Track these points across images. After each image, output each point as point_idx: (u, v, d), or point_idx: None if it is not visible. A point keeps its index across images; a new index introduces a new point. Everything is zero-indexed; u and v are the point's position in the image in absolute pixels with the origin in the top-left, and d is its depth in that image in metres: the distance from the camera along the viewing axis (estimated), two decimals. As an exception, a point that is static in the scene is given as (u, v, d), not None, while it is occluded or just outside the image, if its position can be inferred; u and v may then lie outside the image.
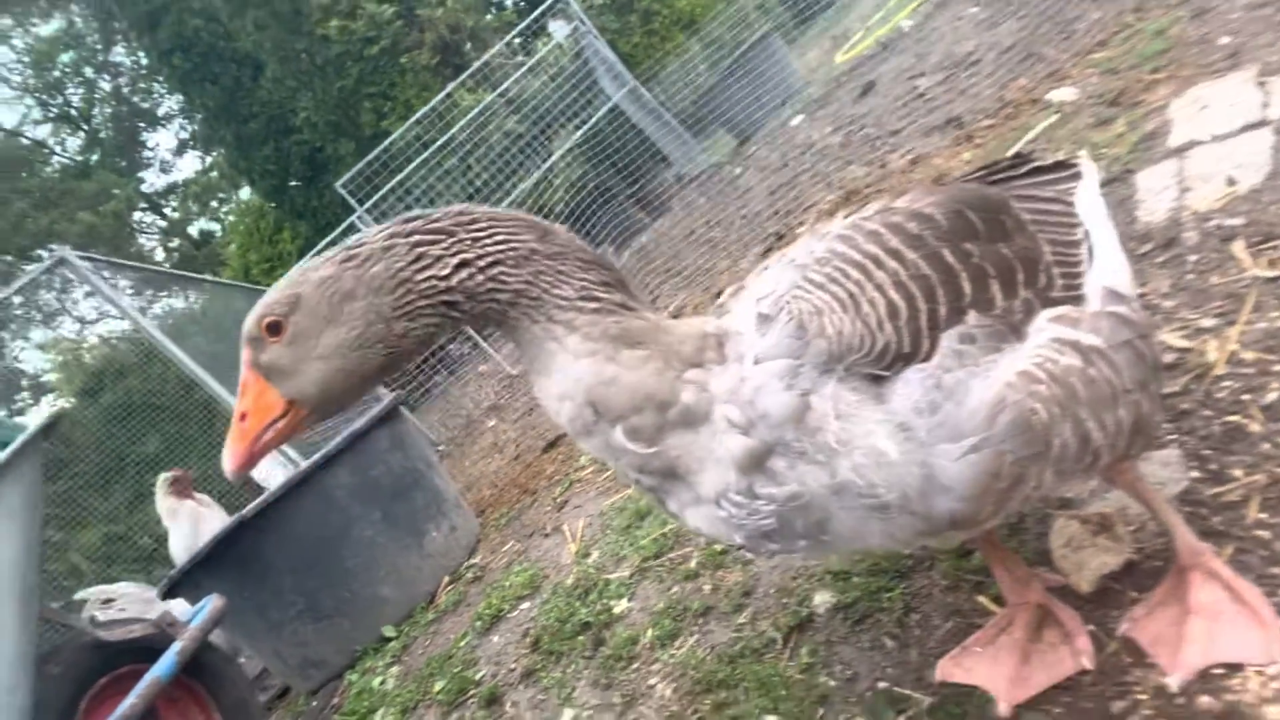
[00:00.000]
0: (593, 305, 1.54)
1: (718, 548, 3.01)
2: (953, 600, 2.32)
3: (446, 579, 4.72)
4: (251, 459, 1.59)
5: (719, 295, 1.87)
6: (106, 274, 7.38)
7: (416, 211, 1.58)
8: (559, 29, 13.08)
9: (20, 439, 2.69)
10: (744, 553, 2.92)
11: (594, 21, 14.58)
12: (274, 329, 1.53)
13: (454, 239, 1.52)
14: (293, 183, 22.22)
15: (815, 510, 1.57)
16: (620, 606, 3.12)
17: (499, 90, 13.31)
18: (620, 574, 3.31)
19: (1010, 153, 2.12)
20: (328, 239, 11.42)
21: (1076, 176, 1.99)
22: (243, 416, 1.58)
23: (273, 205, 23.30)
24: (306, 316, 1.52)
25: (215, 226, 40.85)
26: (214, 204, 42.13)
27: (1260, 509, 1.99)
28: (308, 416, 1.60)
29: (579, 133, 13.11)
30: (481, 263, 1.51)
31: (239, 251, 24.04)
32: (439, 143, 12.56)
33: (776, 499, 1.56)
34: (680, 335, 1.62)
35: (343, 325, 1.51)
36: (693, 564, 3.05)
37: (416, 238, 1.52)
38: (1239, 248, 2.78)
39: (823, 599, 2.54)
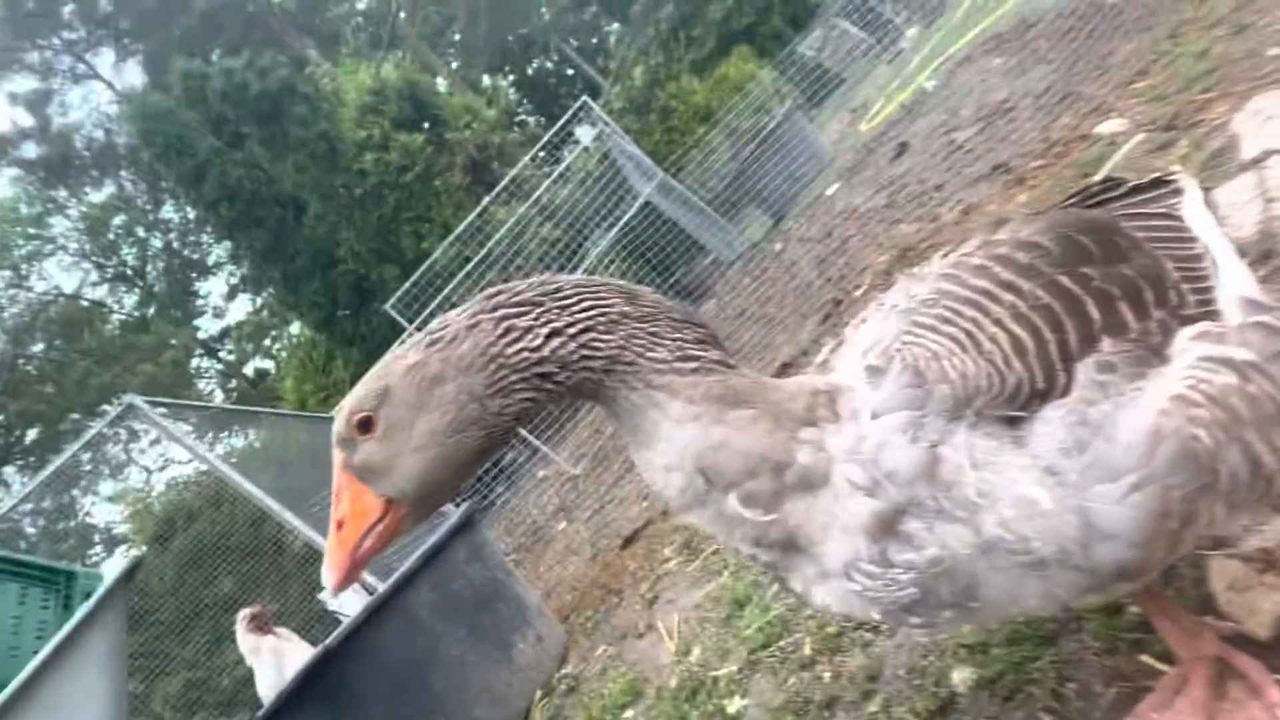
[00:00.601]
0: (691, 366, 1.44)
1: (831, 629, 2.81)
2: (1112, 664, 2.11)
3: (539, 694, 4.52)
4: (354, 568, 1.51)
5: (819, 355, 1.75)
6: (169, 418, 7.52)
7: (499, 286, 1.52)
8: (585, 134, 13.44)
9: (102, 588, 2.63)
10: (869, 631, 2.72)
11: (616, 123, 14.98)
12: (365, 425, 1.46)
13: (541, 309, 1.45)
14: (341, 312, 22.81)
15: (961, 575, 1.41)
16: (734, 706, 2.91)
17: (532, 199, 13.61)
18: (728, 669, 3.10)
19: (1098, 177, 2.01)
20: (380, 361, 11.58)
21: (1178, 192, 1.87)
22: (340, 525, 1.51)
23: (323, 336, 23.87)
24: (397, 407, 1.45)
25: (269, 364, 41.97)
26: (266, 342, 43.42)
27: None
28: (408, 515, 1.53)
29: (614, 230, 13.30)
30: (572, 329, 1.44)
31: (294, 385, 24.54)
32: (478, 258, 12.80)
33: (916, 565, 1.41)
34: (789, 393, 1.51)
35: (435, 411, 1.44)
36: (806, 650, 2.84)
37: (502, 312, 1.45)
38: (1350, 248, 2.63)
39: (962, 676, 2.33)
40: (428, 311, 11.44)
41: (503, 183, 14.10)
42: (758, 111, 14.61)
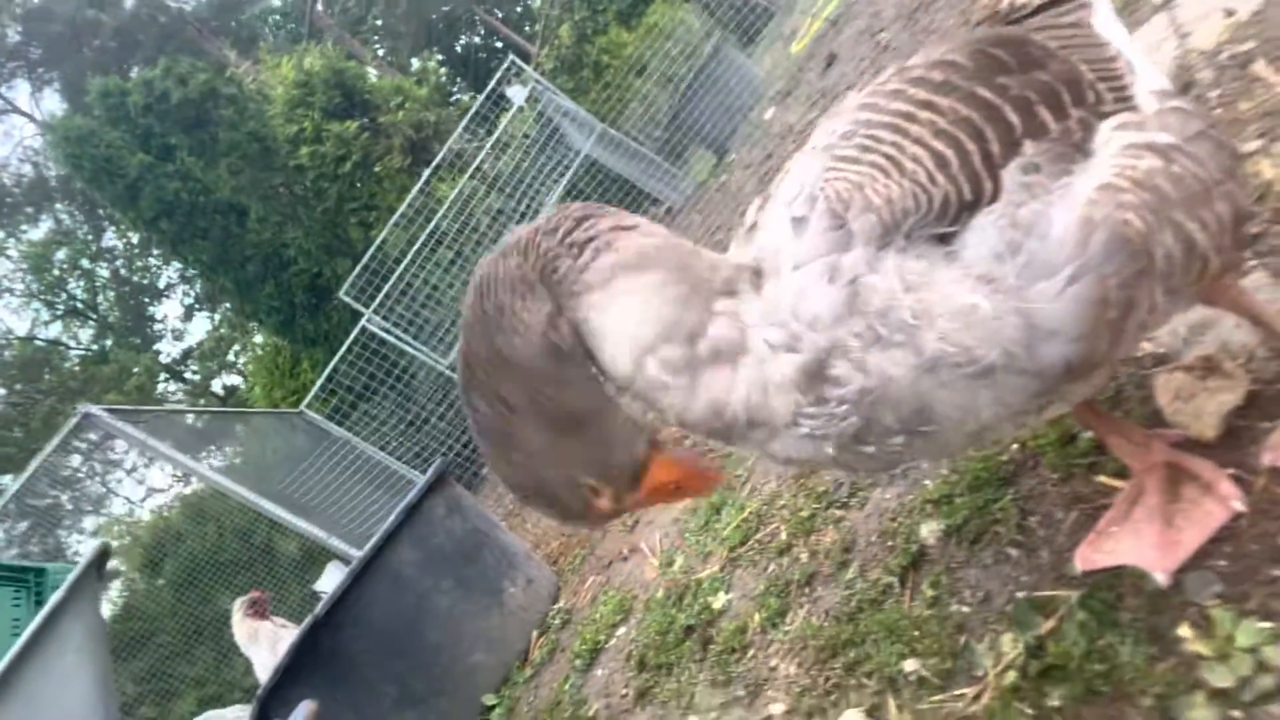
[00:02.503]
0: (589, 254, 1.44)
1: (804, 513, 2.84)
2: (1070, 490, 2.14)
3: (535, 633, 4.56)
4: (707, 469, 1.60)
5: (747, 215, 1.73)
6: (142, 429, 7.42)
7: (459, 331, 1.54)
8: (516, 94, 13.25)
9: (71, 575, 2.59)
10: (839, 508, 2.75)
11: (550, 84, 14.78)
12: (596, 492, 1.49)
13: (483, 298, 1.46)
14: (300, 313, 22.50)
15: (906, 400, 1.40)
16: (719, 601, 2.94)
17: (471, 170, 13.42)
18: (710, 570, 3.13)
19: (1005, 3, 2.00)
20: (341, 350, 11.50)
21: (1085, 5, 1.86)
22: (678, 491, 1.61)
23: (286, 340, 23.56)
24: (566, 436, 1.45)
25: (237, 379, 41.47)
26: (230, 356, 42.81)
27: (1376, 297, 1.81)
28: (650, 437, 1.56)
29: (558, 190, 13.18)
30: (520, 296, 1.45)
31: (264, 393, 24.25)
32: (424, 235, 12.64)
33: (848, 398, 1.40)
34: (711, 263, 1.50)
35: (560, 380, 1.44)
36: (783, 537, 2.87)
37: (482, 310, 1.45)
38: (1260, 68, 2.64)
39: (930, 529, 2.37)
40: (382, 294, 11.32)
41: (438, 156, 13.89)
42: (688, 55, 14.46)
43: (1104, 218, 1.34)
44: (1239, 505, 1.72)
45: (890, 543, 2.45)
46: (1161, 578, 1.73)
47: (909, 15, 6.55)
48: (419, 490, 4.53)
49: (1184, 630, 1.65)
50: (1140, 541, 1.82)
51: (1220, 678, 1.52)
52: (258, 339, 31.53)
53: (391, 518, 4.39)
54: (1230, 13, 2.96)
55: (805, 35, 11.28)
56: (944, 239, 1.38)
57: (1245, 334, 2.04)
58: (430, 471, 4.69)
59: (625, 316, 1.42)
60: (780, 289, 1.43)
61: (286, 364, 23.75)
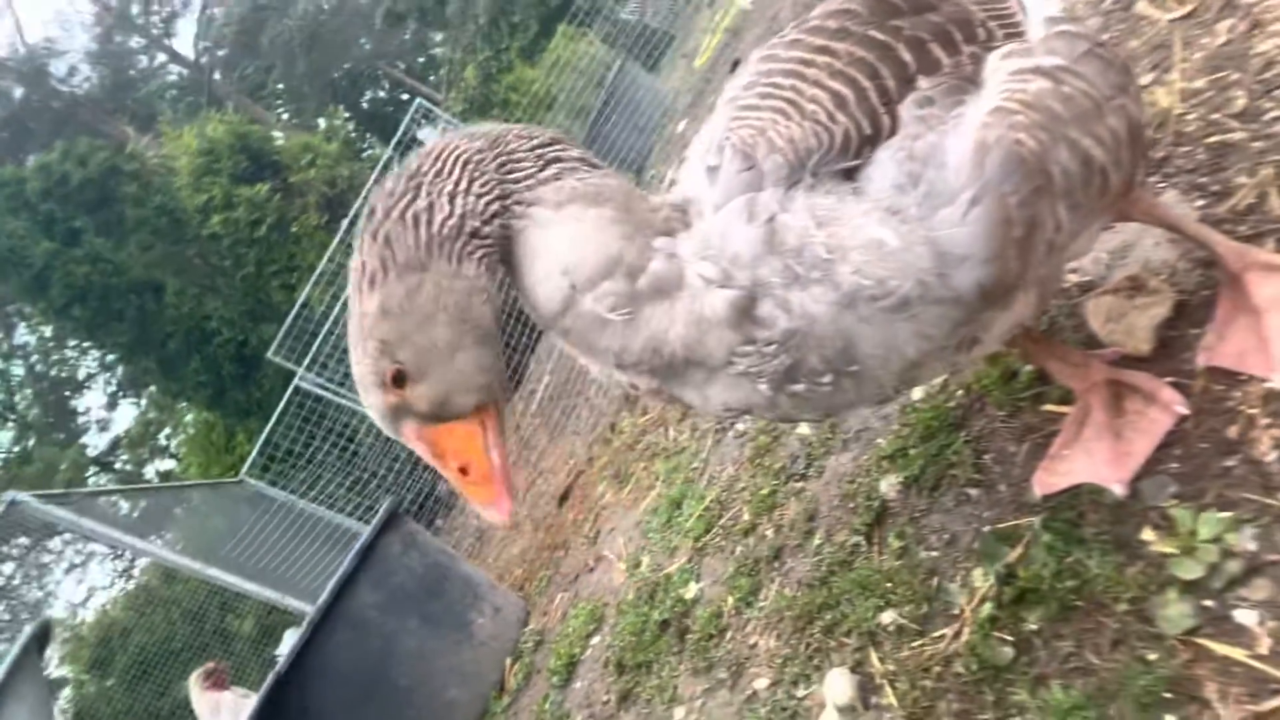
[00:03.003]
0: (553, 170, 1.43)
1: (765, 491, 2.83)
2: (1019, 423, 2.17)
3: (509, 661, 4.44)
4: (507, 484, 1.50)
5: (666, 175, 1.74)
6: (68, 512, 7.07)
7: (373, 202, 1.47)
8: (429, 136, 13.18)
9: (12, 652, 2.43)
10: (798, 480, 2.75)
11: (461, 125, 14.76)
12: (399, 378, 1.42)
13: (422, 185, 1.42)
14: (230, 385, 21.90)
15: (830, 338, 1.41)
16: (691, 591, 2.91)
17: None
18: (678, 563, 3.10)
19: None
20: (276, 413, 11.19)
21: None
22: (464, 470, 1.48)
23: (218, 414, 22.89)
24: (407, 342, 1.40)
25: (171, 463, 40.12)
26: (161, 440, 41.40)
27: (1281, 195, 1.88)
28: (500, 404, 1.51)
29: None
30: (462, 185, 1.42)
31: (200, 472, 23.51)
32: (349, 288, 12.36)
33: (775, 339, 1.41)
34: (653, 204, 1.50)
35: (438, 313, 1.40)
36: (746, 518, 2.86)
37: (397, 211, 1.41)
38: (1143, 6, 2.76)
39: (889, 484, 2.38)
40: (313, 350, 11.07)
41: (351, 212, 13.71)
42: (596, 84, 14.60)
43: (997, 139, 1.36)
44: (1182, 408, 1.76)
45: (852, 504, 2.45)
46: (1118, 489, 1.75)
47: (804, 14, 6.70)
48: (373, 529, 4.41)
49: (1147, 534, 1.68)
50: (1093, 459, 1.85)
51: (1189, 570, 1.55)
52: (188, 418, 30.60)
53: (347, 561, 4.26)
54: (1107, -38, 3.09)
55: (707, 50, 11.49)
56: (849, 175, 1.40)
57: (1165, 251, 2.10)
58: (382, 510, 4.57)
59: (571, 242, 1.40)
60: (707, 228, 1.44)
61: (221, 439, 23.07)
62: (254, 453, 10.90)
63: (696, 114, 9.62)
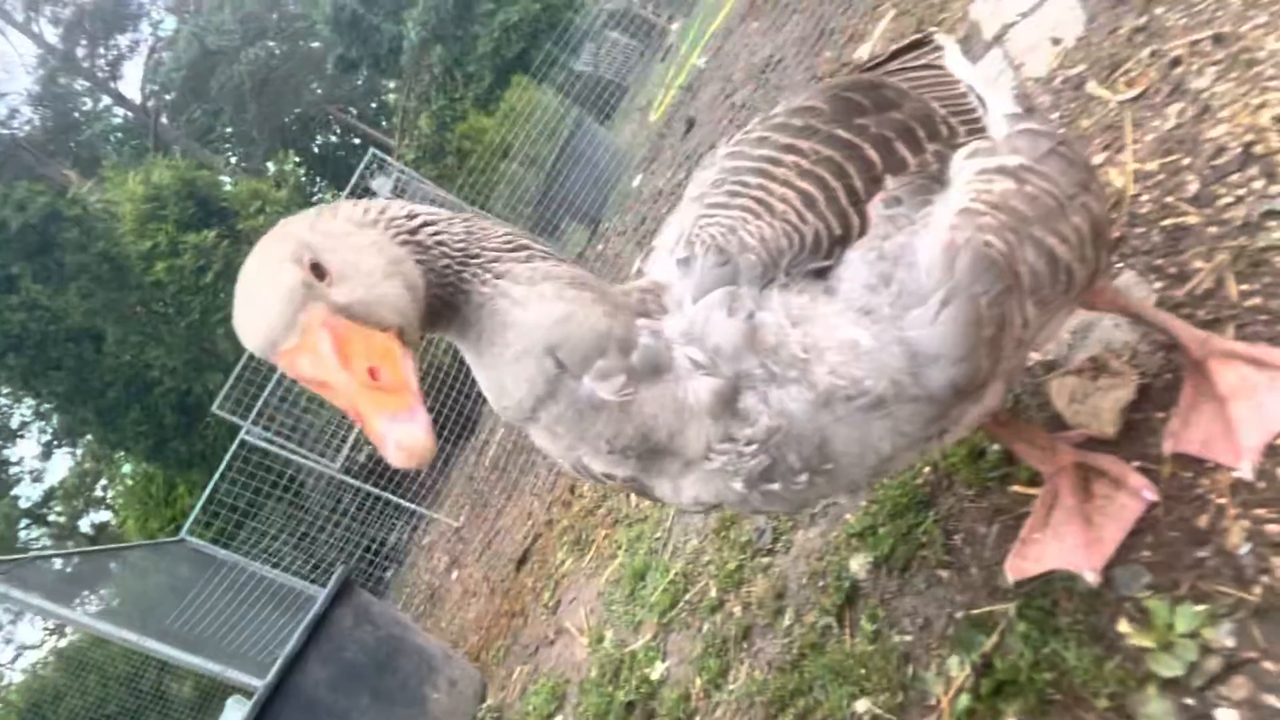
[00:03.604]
0: (524, 254, 1.40)
1: (731, 565, 2.79)
2: (987, 504, 2.17)
3: (465, 737, 4.30)
4: (420, 405, 1.24)
5: (633, 265, 1.72)
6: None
7: None
8: (382, 186, 13.11)
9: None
10: (765, 555, 2.71)
11: (414, 173, 14.71)
12: (318, 268, 1.26)
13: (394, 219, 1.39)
14: (170, 436, 21.28)
15: (806, 437, 1.40)
16: (657, 671, 2.83)
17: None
18: (643, 640, 3.03)
19: (864, 53, 2.10)
20: (220, 469, 10.85)
21: (938, 48, 1.97)
22: (374, 373, 1.23)
23: (157, 466, 22.21)
24: (332, 253, 1.28)
25: (107, 514, 38.70)
26: (97, 491, 39.99)
27: (1238, 282, 1.93)
28: (408, 346, 1.31)
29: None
30: (428, 227, 1.38)
31: (137, 525, 22.74)
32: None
33: (756, 438, 1.39)
34: (622, 289, 1.49)
35: (368, 250, 1.30)
36: (713, 594, 2.81)
37: (357, 204, 1.40)
38: (1094, 87, 2.84)
39: (859, 563, 2.35)
40: (260, 403, 10.81)
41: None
42: (549, 135, 14.71)
43: (966, 241, 1.37)
44: (1151, 495, 1.77)
45: (822, 583, 2.42)
46: (1091, 577, 1.75)
47: (758, 75, 6.85)
48: (323, 602, 4.25)
49: (1123, 626, 1.67)
50: (1064, 544, 1.85)
51: (1168, 668, 1.54)
52: (126, 469, 29.66)
53: (296, 636, 4.09)
54: (1057, 40, 3.19)
55: (661, 104, 11.66)
56: (820, 274, 1.40)
57: (1125, 332, 2.13)
58: (333, 581, 4.41)
59: (555, 320, 1.35)
60: (691, 314, 1.42)
61: (160, 492, 22.38)
62: (195, 509, 10.53)
63: (652, 169, 9.73)
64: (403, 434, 1.20)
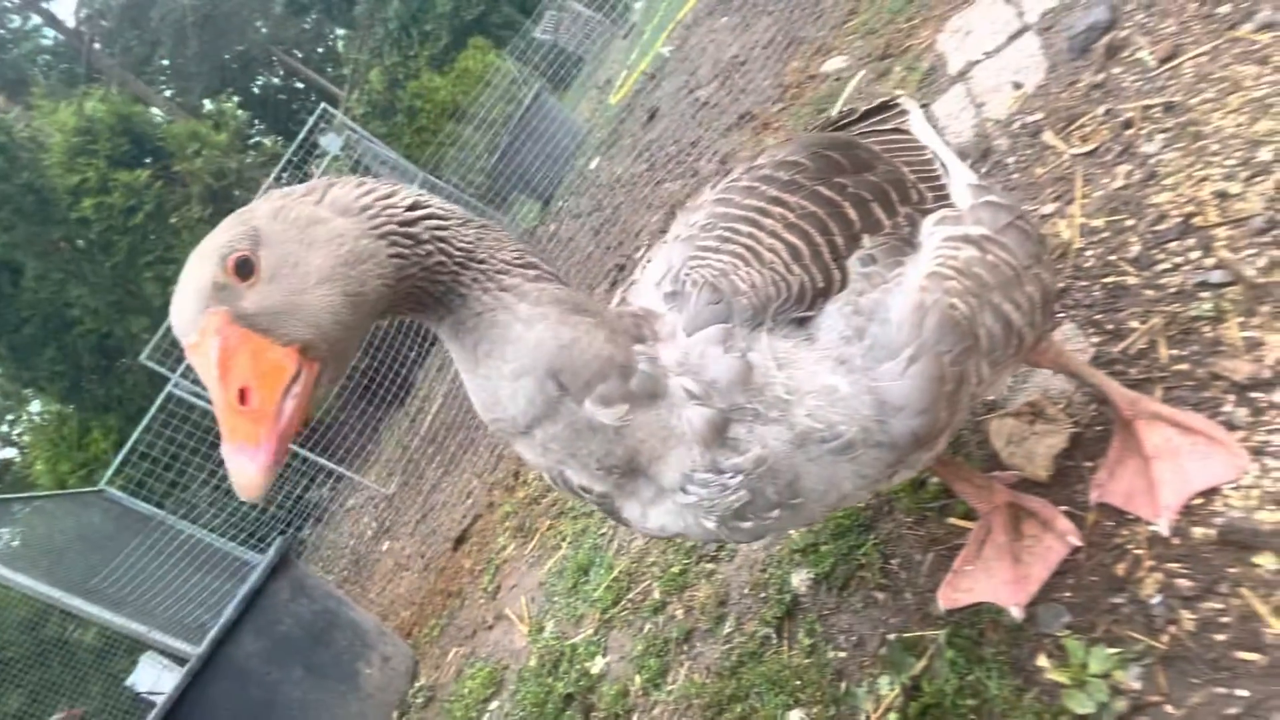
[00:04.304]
0: (534, 273, 1.45)
1: (675, 569, 2.89)
2: (924, 532, 2.31)
3: (395, 714, 4.34)
4: (281, 444, 1.22)
5: (615, 297, 1.80)
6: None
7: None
8: (331, 142, 12.81)
9: None
10: (710, 561, 2.82)
11: (362, 129, 14.42)
12: (244, 267, 1.25)
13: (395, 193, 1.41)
14: (87, 377, 20.55)
15: (783, 472, 1.51)
16: (597, 665, 2.93)
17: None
18: (584, 633, 3.12)
19: (834, 111, 2.19)
20: (144, 420, 10.57)
21: (903, 112, 2.09)
22: (243, 394, 1.22)
23: (71, 407, 21.44)
24: (278, 246, 1.27)
25: (13, 451, 37.22)
26: (4, 428, 38.41)
27: (1169, 346, 2.08)
28: (323, 370, 1.29)
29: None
30: (428, 211, 1.40)
31: (47, 467, 21.92)
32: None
33: (743, 468, 1.49)
34: (617, 312, 1.56)
35: (325, 246, 1.29)
36: (656, 595, 2.91)
37: (358, 181, 1.40)
38: (1049, 136, 2.97)
39: (800, 578, 2.48)
40: (192, 356, 10.50)
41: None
42: (506, 101, 14.54)
43: (934, 303, 1.49)
44: (1075, 540, 1.92)
45: (763, 594, 2.54)
46: (1016, 611, 1.90)
47: (724, 75, 6.91)
48: (260, 575, 4.24)
49: (1042, 660, 1.82)
50: (993, 579, 2.00)
51: (1081, 705, 1.68)
52: (34, 406, 28.56)
53: (230, 608, 4.08)
54: (1018, 85, 3.32)
55: (623, 87, 11.62)
56: (803, 322, 1.50)
57: (1062, 381, 2.28)
58: (271, 552, 4.40)
59: (561, 345, 1.40)
60: (686, 345, 1.49)
61: (73, 434, 21.60)
62: (117, 460, 10.24)
63: (610, 153, 9.72)
64: (237, 468, 1.21)
